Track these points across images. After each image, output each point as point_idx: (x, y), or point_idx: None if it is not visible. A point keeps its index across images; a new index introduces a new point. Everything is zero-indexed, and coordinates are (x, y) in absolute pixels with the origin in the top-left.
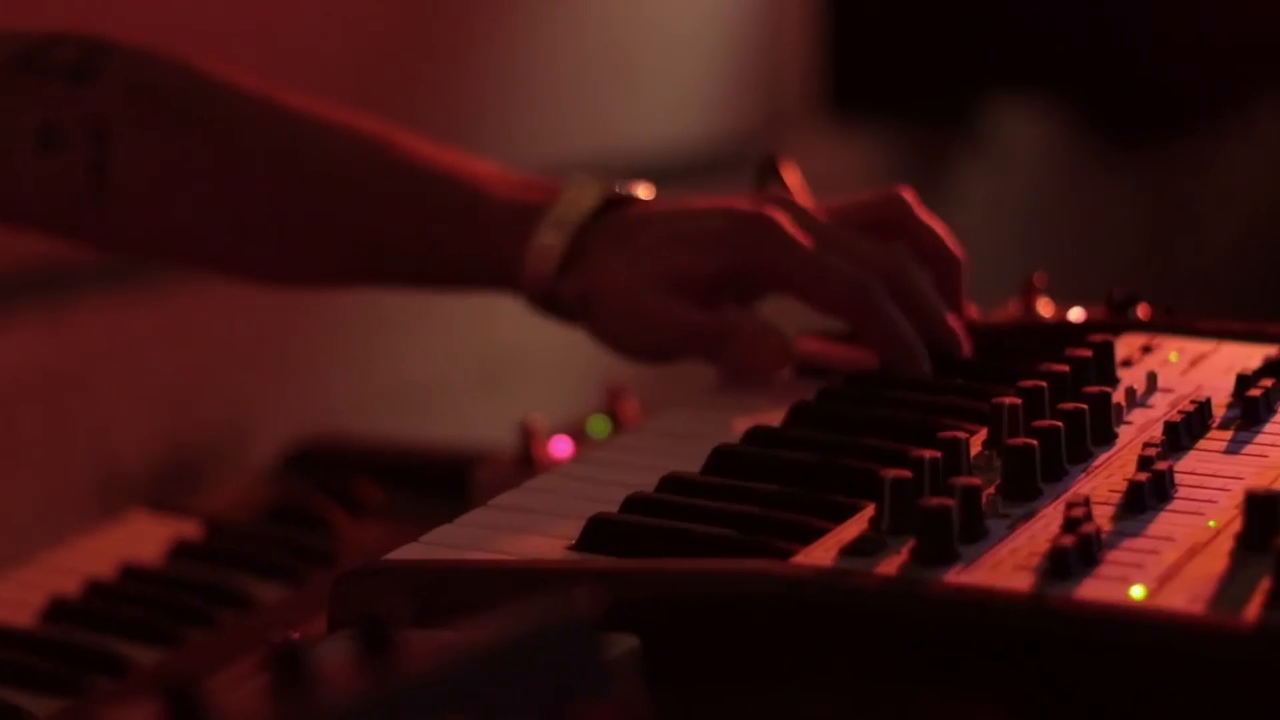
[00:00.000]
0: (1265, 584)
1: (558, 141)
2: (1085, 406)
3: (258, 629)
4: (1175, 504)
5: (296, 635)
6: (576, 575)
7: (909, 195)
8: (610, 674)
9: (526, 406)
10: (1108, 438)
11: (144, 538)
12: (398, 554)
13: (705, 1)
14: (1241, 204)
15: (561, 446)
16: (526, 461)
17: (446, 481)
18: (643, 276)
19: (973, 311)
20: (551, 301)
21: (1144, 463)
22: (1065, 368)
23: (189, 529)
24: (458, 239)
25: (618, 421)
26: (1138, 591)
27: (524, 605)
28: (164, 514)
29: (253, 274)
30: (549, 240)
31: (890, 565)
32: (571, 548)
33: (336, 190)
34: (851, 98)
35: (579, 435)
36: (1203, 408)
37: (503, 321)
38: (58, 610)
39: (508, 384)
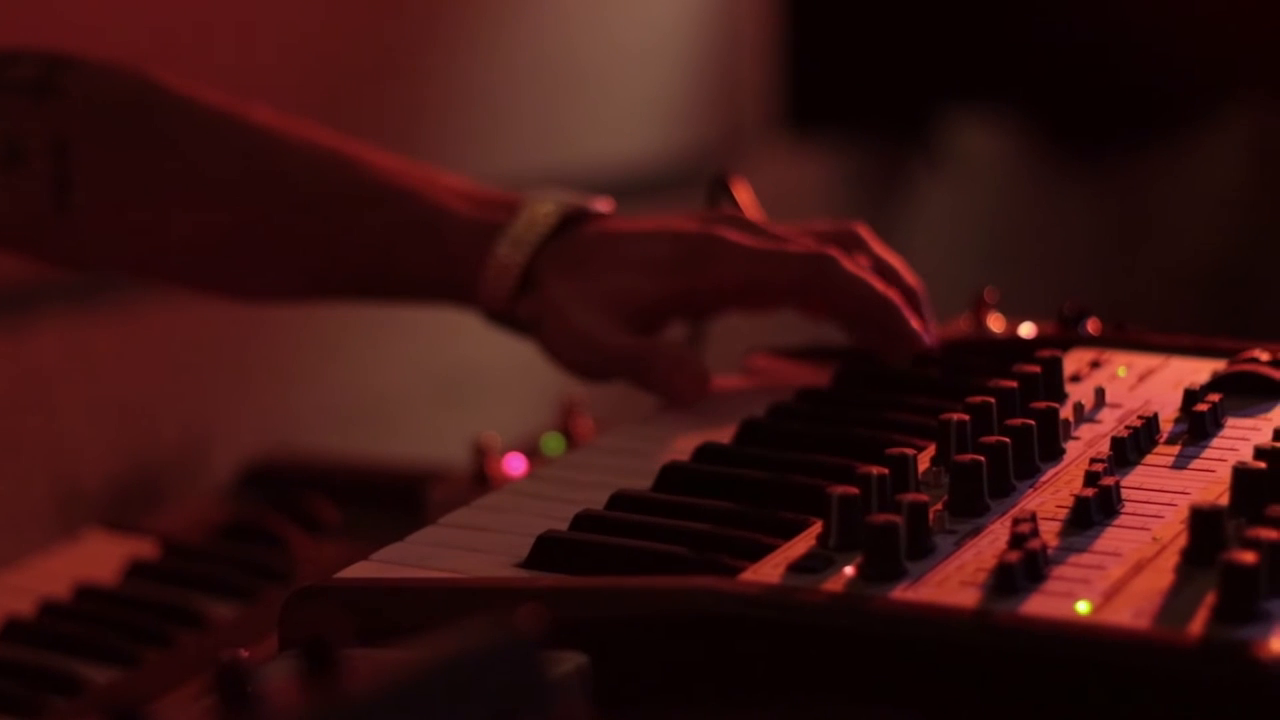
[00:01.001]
0: (1210, 599)
1: (517, 156)
2: (1033, 422)
3: (214, 648)
4: (1122, 519)
5: (245, 654)
6: (525, 593)
7: (863, 230)
8: (553, 692)
9: (483, 421)
10: (1055, 453)
11: (100, 557)
12: (347, 573)
13: (664, 18)
14: (1198, 217)
15: (516, 464)
16: (481, 479)
17: (402, 499)
18: (586, 300)
19: (934, 334)
20: (508, 318)
21: (1091, 478)
22: (1013, 384)
23: (145, 548)
24: (418, 256)
25: (572, 438)
26: (1083, 607)
27: (466, 624)
28: (120, 533)
29: (214, 289)
30: (508, 259)
31: (837, 582)
32: (520, 565)
33: (299, 206)
34: (809, 113)
35: (533, 453)
36: (1150, 423)
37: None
38: (12, 630)
39: (465, 399)
